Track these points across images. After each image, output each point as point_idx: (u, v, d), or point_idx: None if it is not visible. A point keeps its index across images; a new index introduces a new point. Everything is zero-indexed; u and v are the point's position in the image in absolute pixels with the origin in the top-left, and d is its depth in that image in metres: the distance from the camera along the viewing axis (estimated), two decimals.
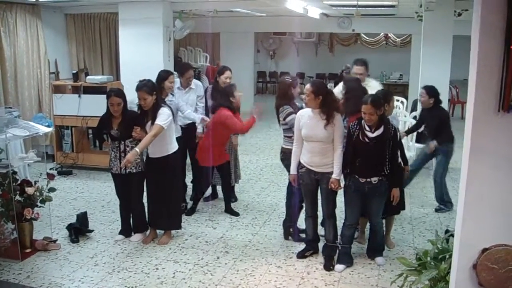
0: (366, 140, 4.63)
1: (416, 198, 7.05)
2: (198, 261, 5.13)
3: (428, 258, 3.82)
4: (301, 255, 5.22)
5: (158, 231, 5.69)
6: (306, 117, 4.87)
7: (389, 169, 4.71)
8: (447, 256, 3.62)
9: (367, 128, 4.64)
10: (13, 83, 8.82)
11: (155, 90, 5.26)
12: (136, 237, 5.62)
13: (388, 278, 4.71)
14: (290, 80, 5.49)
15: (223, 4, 10.07)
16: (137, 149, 5.07)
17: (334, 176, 4.77)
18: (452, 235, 3.54)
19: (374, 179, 4.70)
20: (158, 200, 5.45)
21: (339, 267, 4.95)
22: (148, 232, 5.67)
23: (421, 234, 5.84)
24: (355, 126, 4.72)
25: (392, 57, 18.02)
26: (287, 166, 5.29)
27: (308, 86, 4.83)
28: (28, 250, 5.26)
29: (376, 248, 5.17)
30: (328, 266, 4.96)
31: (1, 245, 5.14)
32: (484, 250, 2.89)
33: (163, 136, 5.22)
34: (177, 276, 4.81)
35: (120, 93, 5.32)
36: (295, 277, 4.82)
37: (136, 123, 5.29)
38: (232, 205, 6.70)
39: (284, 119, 5.31)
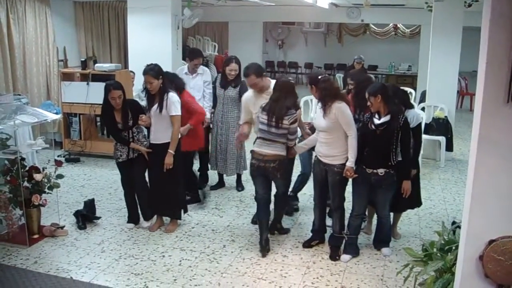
0: (373, 127, 4.64)
1: (423, 190, 6.98)
2: (204, 249, 5.15)
3: (435, 249, 3.82)
4: (307, 244, 5.23)
5: (164, 218, 5.72)
6: (318, 106, 4.94)
7: (398, 161, 4.69)
8: (454, 248, 3.62)
9: (376, 115, 4.67)
10: (22, 70, 8.85)
11: (161, 74, 5.26)
12: (144, 224, 5.65)
13: (394, 268, 4.71)
14: (293, 81, 5.24)
15: None
16: (171, 151, 5.24)
17: (348, 164, 4.72)
18: (459, 227, 3.54)
19: (381, 171, 4.68)
20: (160, 187, 5.44)
21: (345, 257, 4.95)
22: (154, 219, 5.69)
23: (428, 225, 5.83)
24: (368, 116, 4.77)
25: (401, 47, 17.93)
26: (287, 173, 5.25)
27: (307, 79, 4.89)
28: (35, 236, 5.30)
29: (382, 239, 5.16)
30: (334, 256, 4.96)
31: (9, 231, 5.19)
32: (491, 241, 2.90)
33: (167, 121, 5.25)
34: (183, 264, 4.83)
35: (118, 85, 5.29)
36: (301, 267, 4.83)
37: (136, 110, 5.33)
38: (239, 194, 6.76)
39: (291, 123, 4.88)
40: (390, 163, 4.67)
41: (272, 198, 5.28)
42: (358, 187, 4.86)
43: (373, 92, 4.59)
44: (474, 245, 2.95)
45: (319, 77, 4.96)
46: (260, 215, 5.19)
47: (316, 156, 5.01)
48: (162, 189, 5.44)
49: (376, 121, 4.63)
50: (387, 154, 4.66)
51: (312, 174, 5.18)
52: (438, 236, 3.96)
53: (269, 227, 5.28)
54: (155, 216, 5.70)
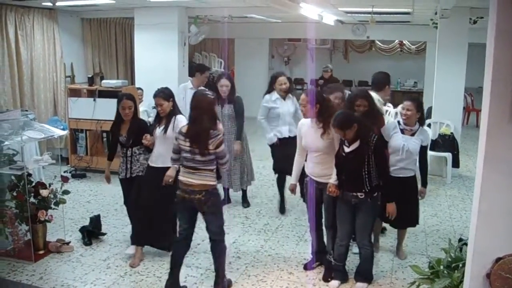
0: (343, 154, 4.49)
1: (430, 207, 7.00)
2: (210, 266, 5.11)
3: (441, 267, 3.80)
4: (310, 266, 5.07)
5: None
6: (306, 127, 4.79)
7: (375, 185, 4.46)
8: (460, 265, 3.60)
9: (346, 142, 4.48)
10: (29, 86, 8.93)
11: (171, 96, 5.27)
12: (128, 250, 5.41)
13: (400, 286, 4.68)
14: (212, 96, 4.50)
15: (238, 10, 10.11)
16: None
17: (330, 181, 4.58)
18: (466, 244, 3.52)
19: (360, 194, 4.45)
20: (151, 212, 5.19)
21: (333, 283, 4.74)
22: (132, 249, 5.35)
23: (434, 243, 5.80)
24: (341, 139, 4.55)
25: (407, 64, 17.95)
26: (216, 206, 4.47)
27: (303, 96, 4.66)
28: (41, 252, 5.31)
29: (362, 274, 4.78)
30: (326, 277, 4.80)
31: (15, 246, 5.20)
32: (498, 259, 2.88)
33: (170, 144, 5.19)
34: (189, 281, 4.82)
35: (131, 97, 5.36)
36: (307, 284, 4.80)
37: (143, 131, 5.30)
38: (245, 210, 6.75)
39: (216, 147, 4.26)
40: (364, 189, 4.42)
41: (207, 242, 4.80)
42: (341, 211, 4.63)
43: (344, 126, 4.33)
44: (481, 262, 2.93)
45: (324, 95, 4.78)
46: (174, 251, 4.56)
47: (307, 177, 4.88)
48: (152, 215, 5.20)
49: (346, 149, 4.45)
50: (360, 178, 4.43)
51: (305, 196, 5.03)
52: (444, 254, 3.93)
53: (214, 283, 4.63)
54: (135, 249, 5.27)
